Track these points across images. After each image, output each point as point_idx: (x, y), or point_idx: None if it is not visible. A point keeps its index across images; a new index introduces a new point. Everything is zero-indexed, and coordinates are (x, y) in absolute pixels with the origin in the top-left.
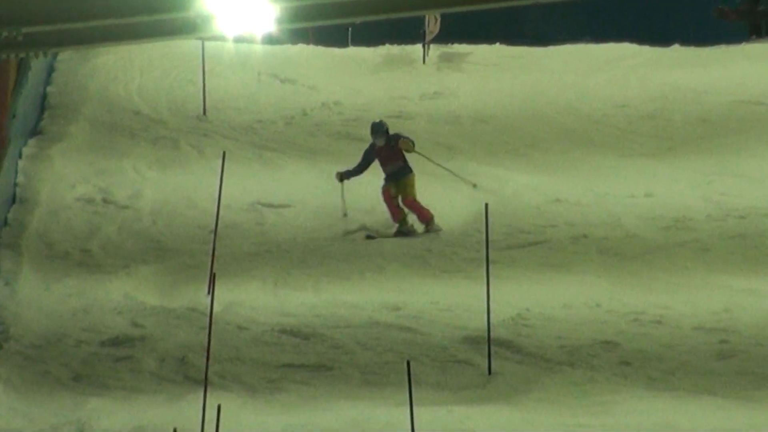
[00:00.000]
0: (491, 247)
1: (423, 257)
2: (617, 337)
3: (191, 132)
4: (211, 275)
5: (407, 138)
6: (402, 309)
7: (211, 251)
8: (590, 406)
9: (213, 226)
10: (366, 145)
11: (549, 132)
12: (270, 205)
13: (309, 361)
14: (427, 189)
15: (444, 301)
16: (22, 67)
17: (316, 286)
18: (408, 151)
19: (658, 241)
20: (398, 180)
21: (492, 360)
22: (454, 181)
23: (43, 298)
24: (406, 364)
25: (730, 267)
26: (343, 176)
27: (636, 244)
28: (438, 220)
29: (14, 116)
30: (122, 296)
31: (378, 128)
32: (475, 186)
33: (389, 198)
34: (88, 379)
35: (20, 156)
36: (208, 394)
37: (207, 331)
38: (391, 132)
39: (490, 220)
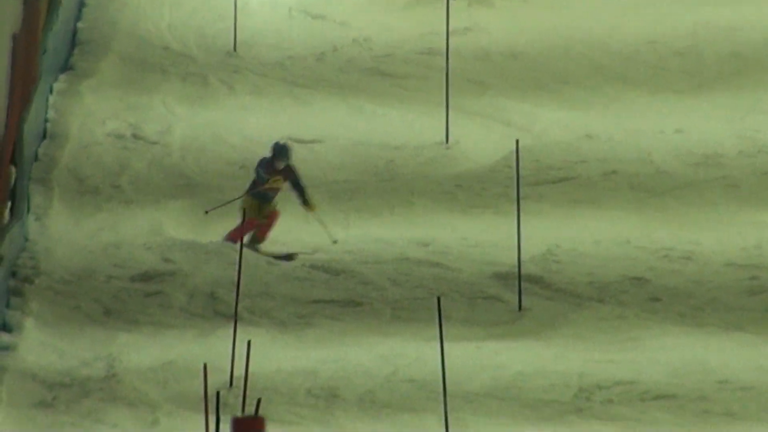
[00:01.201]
0: (521, 183)
1: (452, 193)
2: (647, 273)
3: (221, 68)
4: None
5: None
6: (431, 245)
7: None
8: (619, 342)
9: (243, 161)
10: (396, 81)
11: (579, 68)
12: (300, 141)
13: (339, 296)
14: (459, 126)
15: (473, 236)
16: (53, 3)
17: (345, 222)
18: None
19: (689, 178)
20: (264, 203)
21: (522, 296)
22: (485, 118)
23: (74, 234)
24: (436, 299)
25: (761, 203)
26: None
27: (666, 180)
28: (467, 157)
29: (45, 52)
30: (152, 231)
31: (285, 153)
32: (335, 242)
33: (250, 221)
34: (118, 314)
35: (51, 92)
36: (238, 330)
37: (237, 266)
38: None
39: (520, 156)
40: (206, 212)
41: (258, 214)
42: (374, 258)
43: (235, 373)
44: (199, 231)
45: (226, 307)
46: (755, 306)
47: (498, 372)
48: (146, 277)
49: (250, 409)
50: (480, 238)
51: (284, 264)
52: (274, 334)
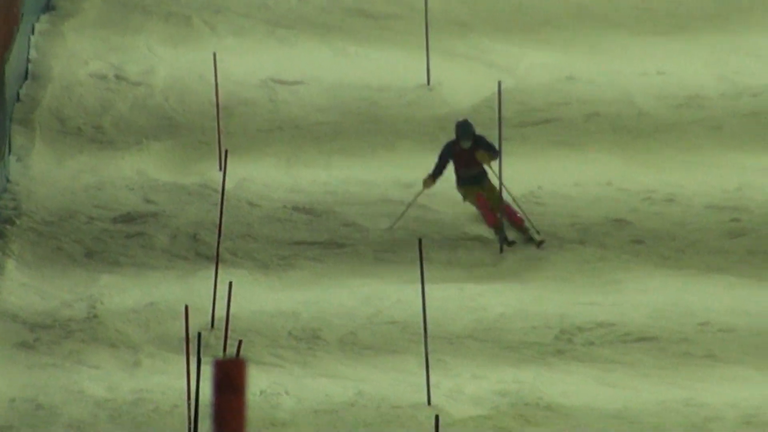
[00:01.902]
0: (503, 125)
1: (435, 134)
2: (629, 215)
3: (204, 8)
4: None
5: (486, 151)
6: (413, 186)
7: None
8: (601, 284)
9: (225, 103)
10: (380, 22)
11: (562, 9)
12: (282, 82)
13: (321, 238)
14: (441, 68)
15: (455, 178)
16: None
17: (328, 163)
18: (483, 162)
19: (671, 119)
20: (480, 182)
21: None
22: (468, 60)
23: (56, 175)
24: (417, 241)
25: (743, 145)
26: (428, 183)
27: (648, 122)
28: (450, 99)
29: None
30: (134, 173)
31: (466, 130)
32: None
33: (483, 201)
34: (100, 255)
35: (32, 32)
36: (220, 271)
37: (219, 207)
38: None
39: (503, 97)
40: (390, 227)
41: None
42: (356, 199)
43: (217, 315)
44: (181, 172)
45: (208, 249)
46: (736, 248)
47: (479, 314)
48: (128, 218)
49: (231, 351)
50: None
51: (266, 205)
52: (256, 275)
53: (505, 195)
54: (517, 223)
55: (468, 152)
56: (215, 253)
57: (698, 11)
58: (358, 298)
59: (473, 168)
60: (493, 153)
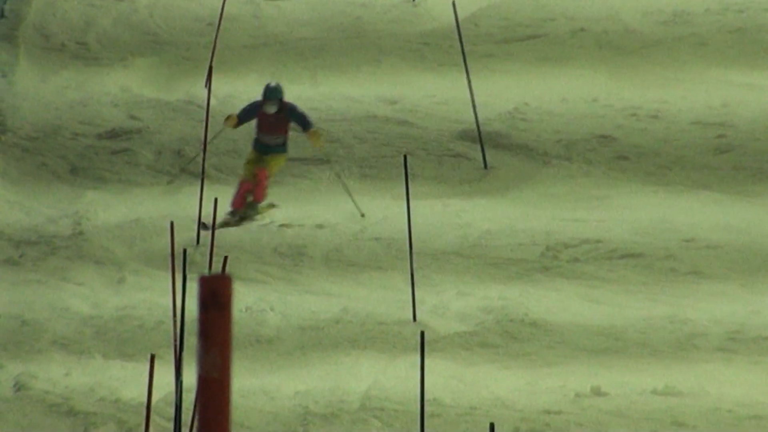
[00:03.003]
0: (488, 41)
1: (420, 51)
2: (614, 131)
3: None
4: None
5: (318, 130)
6: (398, 102)
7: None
8: (586, 200)
9: (210, 18)
10: None
11: None
12: None
13: (307, 154)
14: None
15: (440, 94)
16: None
17: (313, 79)
18: (316, 145)
19: (657, 35)
20: (269, 153)
21: (488, 154)
22: None
23: (40, 91)
24: (402, 157)
25: (729, 61)
26: (231, 121)
27: (634, 39)
28: (435, 14)
29: None
30: (119, 89)
31: (273, 94)
32: (363, 215)
33: (260, 182)
34: (84, 171)
35: None
36: (204, 187)
37: (204, 123)
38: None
39: (488, 13)
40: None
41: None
42: (341, 116)
43: (202, 232)
44: (166, 89)
45: (192, 165)
46: (722, 164)
47: (464, 230)
48: (113, 134)
49: (217, 267)
50: (447, 95)
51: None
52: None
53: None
54: (257, 197)
55: (272, 117)
56: (200, 170)
57: None
58: (344, 215)
59: (274, 136)
60: (306, 125)
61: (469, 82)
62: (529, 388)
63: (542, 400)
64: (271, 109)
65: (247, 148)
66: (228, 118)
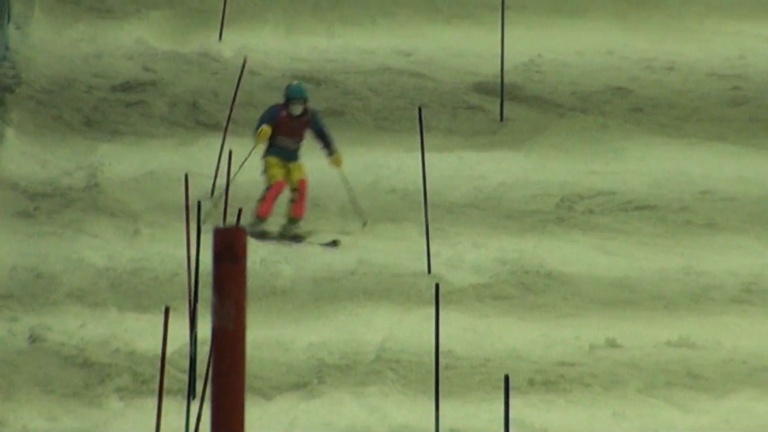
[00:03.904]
0: None
1: (434, 2)
2: (630, 83)
3: None
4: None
5: (340, 155)
6: (413, 54)
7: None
8: (602, 152)
9: None
10: None
11: None
12: None
13: (321, 106)
14: None
15: (456, 46)
16: None
17: (328, 32)
18: (336, 167)
19: None
20: (292, 161)
21: (503, 106)
22: None
23: (55, 43)
24: (417, 110)
25: (745, 13)
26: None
27: None
28: None
29: None
30: (133, 41)
31: (299, 93)
32: (365, 224)
33: (278, 190)
34: (99, 124)
35: None
36: (219, 139)
37: (219, 76)
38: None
39: None
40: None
41: (287, 177)
42: (356, 68)
43: (217, 183)
44: (180, 41)
45: (207, 117)
46: (737, 116)
47: (479, 182)
48: (127, 86)
49: (231, 219)
50: (462, 47)
51: (266, 74)
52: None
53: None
54: (299, 198)
55: (295, 120)
56: (215, 121)
57: None
58: (359, 167)
59: (295, 140)
60: (330, 146)
61: (503, 31)
62: (544, 339)
63: (557, 351)
64: (297, 110)
65: (265, 99)
66: (260, 133)
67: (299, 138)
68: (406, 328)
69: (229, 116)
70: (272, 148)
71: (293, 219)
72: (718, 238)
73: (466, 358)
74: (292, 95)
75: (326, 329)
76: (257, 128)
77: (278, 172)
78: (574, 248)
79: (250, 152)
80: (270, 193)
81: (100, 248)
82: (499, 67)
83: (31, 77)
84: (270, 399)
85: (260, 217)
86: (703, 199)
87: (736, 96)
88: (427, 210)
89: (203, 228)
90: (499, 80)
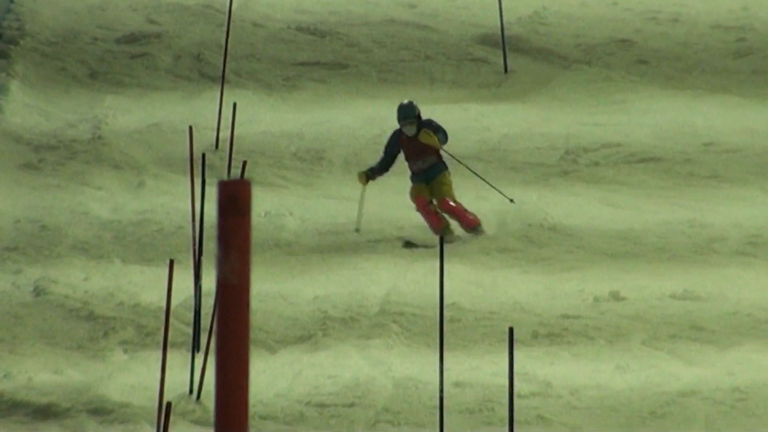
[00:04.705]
0: None
1: None
2: (634, 35)
3: None
4: None
5: (431, 131)
6: (418, 6)
7: None
8: (606, 104)
9: None
10: None
11: None
12: None
13: (325, 58)
14: None
15: None
16: None
17: None
18: (429, 144)
19: None
20: (431, 179)
21: (507, 58)
22: None
23: None
24: (422, 62)
25: None
26: (368, 176)
27: None
28: None
29: None
30: None
31: (408, 113)
32: (512, 201)
33: (424, 204)
34: (104, 76)
35: None
36: (224, 92)
37: (223, 28)
38: (423, 117)
39: None
40: (357, 230)
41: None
42: (360, 20)
43: (221, 136)
44: None
45: (212, 69)
46: (742, 68)
47: (484, 134)
48: (132, 38)
49: (236, 172)
50: (467, 0)
51: (270, 26)
52: (260, 96)
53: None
54: (468, 225)
55: (415, 140)
56: (219, 74)
57: None
58: (363, 119)
59: (424, 159)
60: (442, 136)
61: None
62: (548, 292)
63: (561, 304)
64: (411, 130)
65: (268, 51)
66: (359, 176)
67: (427, 154)
68: (410, 281)
69: (224, 69)
70: (412, 176)
71: (470, 230)
72: (723, 190)
73: (470, 311)
74: (402, 117)
75: (330, 282)
76: (379, 160)
77: (421, 193)
78: (578, 201)
79: (359, 217)
80: (423, 212)
81: (105, 200)
82: (503, 20)
83: (36, 29)
84: (274, 352)
85: (438, 228)
86: (707, 150)
87: (740, 48)
88: None
89: (207, 180)
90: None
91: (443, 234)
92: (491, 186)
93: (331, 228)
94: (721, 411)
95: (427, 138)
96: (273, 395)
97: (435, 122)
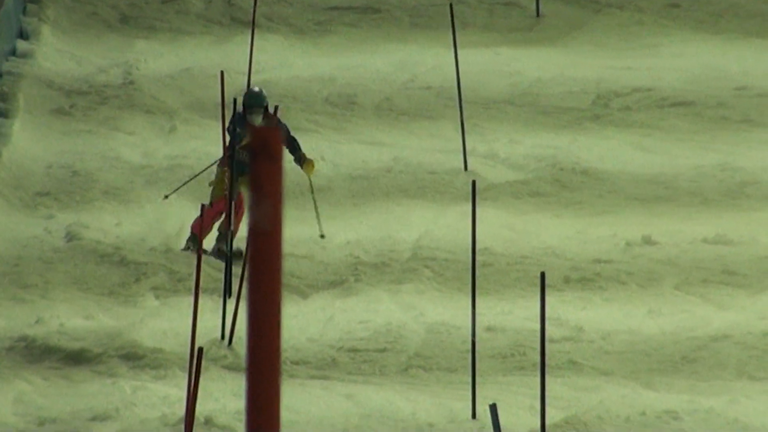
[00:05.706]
0: None
1: None
2: None
3: None
4: None
5: (312, 160)
6: None
7: None
8: (638, 48)
9: None
10: None
11: None
12: None
13: (357, 2)
14: None
15: None
16: None
17: None
18: (310, 173)
19: None
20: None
21: (539, 1)
22: None
23: None
24: (449, 6)
25: None
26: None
27: None
28: None
29: None
30: None
31: (256, 101)
32: (322, 236)
33: (215, 214)
34: (135, 21)
35: None
36: (255, 36)
37: None
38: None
39: None
40: (165, 197)
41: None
42: None
43: (253, 80)
44: None
45: (243, 14)
46: None
47: (515, 78)
48: None
49: None
50: None
51: None
52: (292, 41)
53: None
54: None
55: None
56: (251, 18)
57: None
58: (394, 63)
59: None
60: (297, 153)
61: None
62: (580, 236)
63: (593, 248)
64: (256, 120)
65: None
66: (216, 183)
67: None
68: (442, 226)
69: (255, 13)
70: (237, 164)
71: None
72: (755, 133)
73: (502, 255)
74: (248, 104)
75: (362, 227)
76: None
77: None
78: (610, 145)
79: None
80: (206, 219)
81: (136, 145)
82: None
83: None
84: (306, 297)
85: (222, 231)
86: (739, 95)
87: None
88: (462, 106)
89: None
90: None
91: (194, 244)
92: (316, 215)
93: (363, 173)
94: (753, 355)
95: (310, 170)
96: (305, 340)
97: (290, 132)
